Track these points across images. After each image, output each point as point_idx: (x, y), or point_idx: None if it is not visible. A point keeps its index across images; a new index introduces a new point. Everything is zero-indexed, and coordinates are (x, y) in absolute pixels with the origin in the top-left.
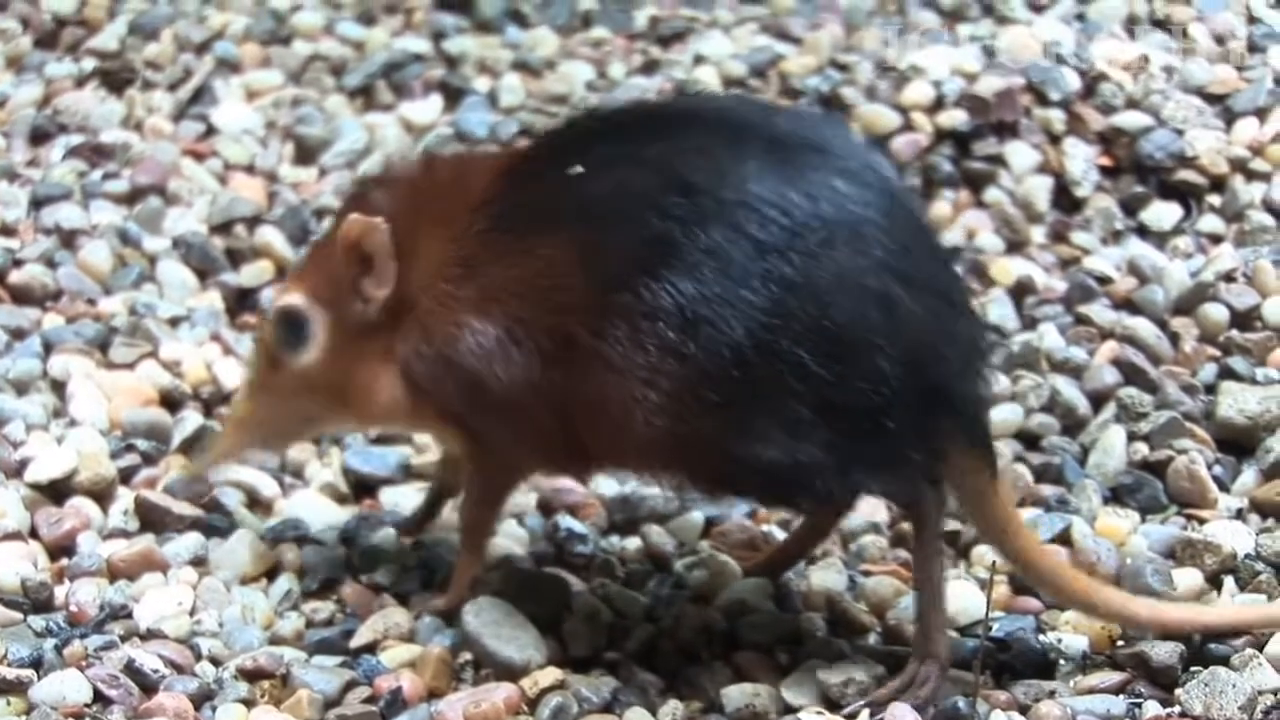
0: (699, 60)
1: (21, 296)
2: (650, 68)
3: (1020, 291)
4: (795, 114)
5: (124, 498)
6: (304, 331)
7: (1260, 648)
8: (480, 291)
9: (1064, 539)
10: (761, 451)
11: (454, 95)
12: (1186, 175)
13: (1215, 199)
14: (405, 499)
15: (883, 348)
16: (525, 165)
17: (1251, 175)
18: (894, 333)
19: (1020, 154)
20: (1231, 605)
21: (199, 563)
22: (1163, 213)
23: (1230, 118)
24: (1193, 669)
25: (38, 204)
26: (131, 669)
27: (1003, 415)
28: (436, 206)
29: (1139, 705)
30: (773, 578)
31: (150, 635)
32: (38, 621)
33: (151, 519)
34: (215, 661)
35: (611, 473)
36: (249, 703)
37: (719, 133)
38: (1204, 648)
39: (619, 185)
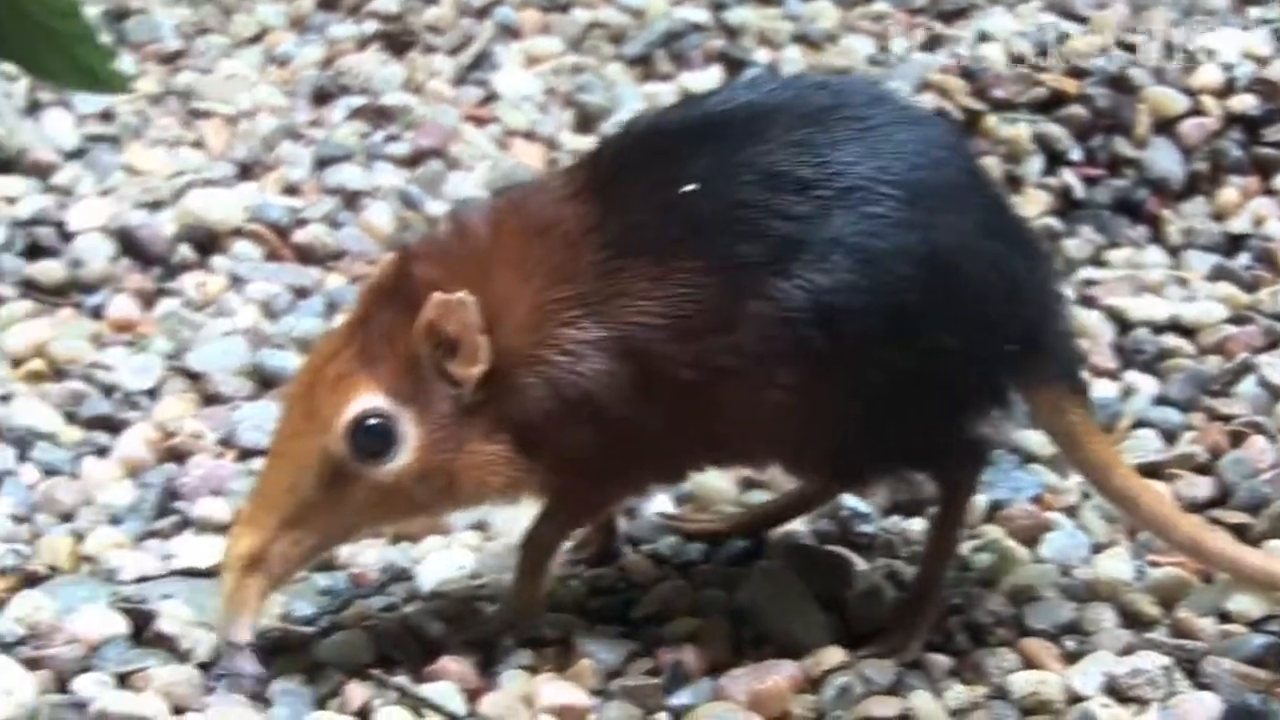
0: (982, 38)
1: (305, 255)
2: (933, 43)
3: None
4: (856, 85)
5: None
6: (390, 435)
7: None
8: (609, 329)
9: None
10: (893, 433)
11: (734, 66)
12: None
13: None
14: None
15: (1004, 309)
16: (610, 186)
17: None
18: (1007, 292)
19: None
20: None
21: (480, 527)
22: None
23: None
24: None
25: (321, 164)
26: (415, 631)
27: None
28: (514, 253)
29: None
30: (753, 537)
31: (432, 597)
32: (321, 580)
33: None
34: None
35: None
36: (532, 669)
37: (807, 122)
38: None
39: (735, 197)
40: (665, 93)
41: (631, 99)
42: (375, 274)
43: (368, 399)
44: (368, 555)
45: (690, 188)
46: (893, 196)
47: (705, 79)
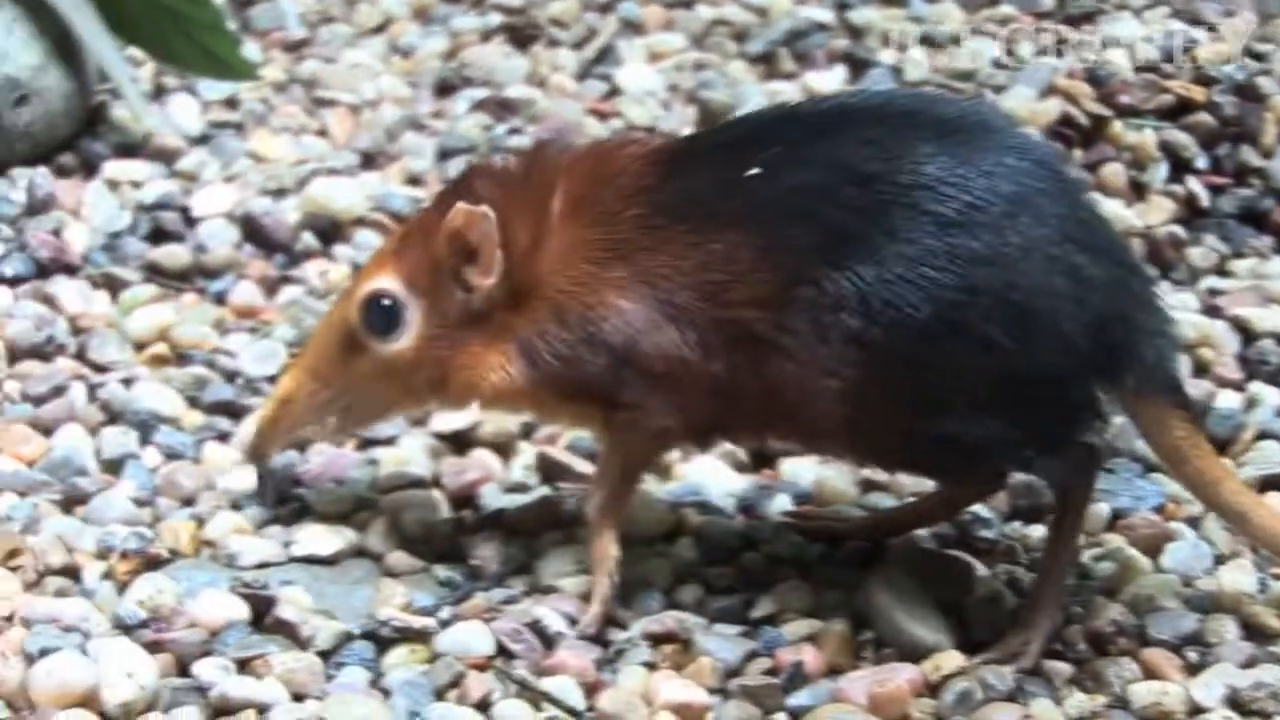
0: (1109, 43)
1: None
2: (1059, 48)
3: None
4: (952, 99)
5: (526, 452)
6: (397, 317)
7: None
8: (632, 274)
9: None
10: (943, 428)
11: (858, 66)
12: None
13: None
14: (805, 471)
15: (1071, 314)
16: (684, 159)
17: None
18: (1081, 298)
19: None
20: None
21: None
22: None
23: None
24: None
25: (444, 155)
26: (534, 624)
27: None
28: (571, 190)
29: None
30: (872, 541)
31: (550, 591)
32: (441, 571)
33: (553, 475)
34: (615, 622)
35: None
36: (651, 666)
37: (884, 124)
38: None
39: (793, 183)
40: (788, 91)
41: (754, 97)
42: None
43: (385, 280)
44: (487, 548)
45: (754, 171)
46: (957, 200)
47: (829, 79)
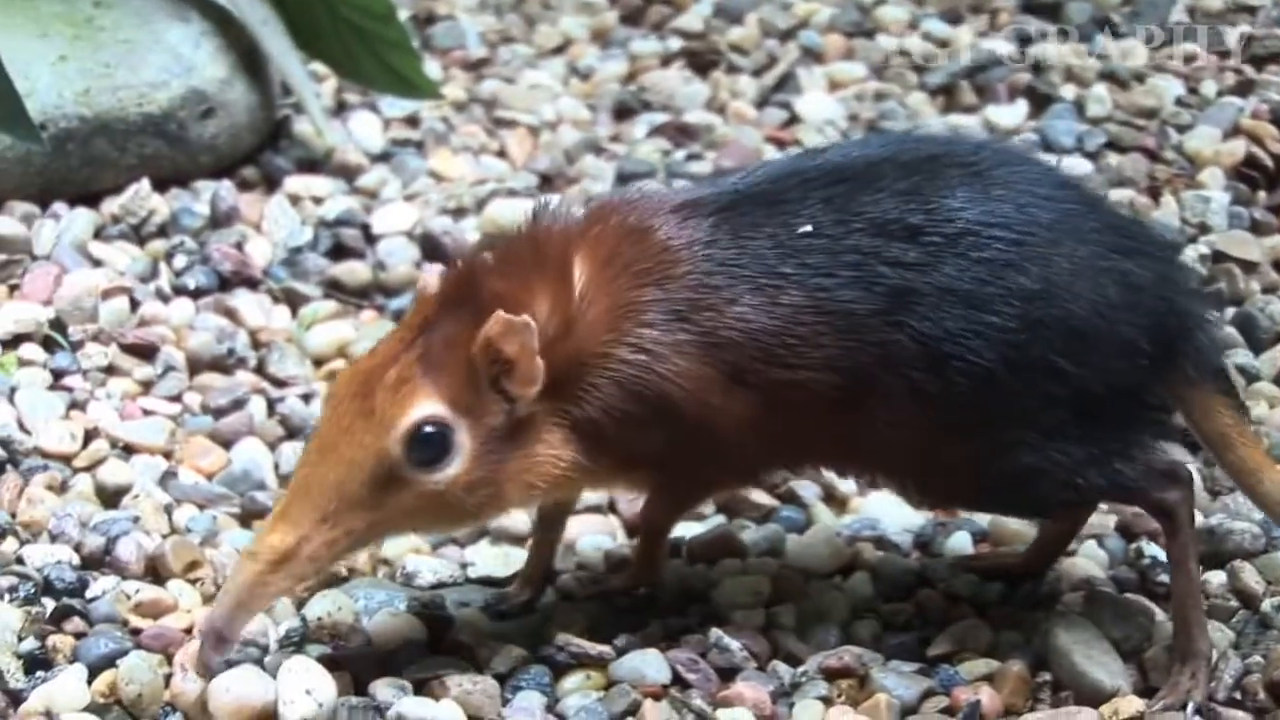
0: None
1: None
2: (1243, 88)
3: None
4: (961, 138)
5: None
6: (447, 444)
7: None
8: (697, 336)
9: None
10: (1020, 464)
11: (1039, 101)
12: None
13: None
14: None
15: (1129, 321)
16: (729, 213)
17: None
18: (1135, 303)
19: None
20: None
21: (775, 553)
22: None
23: None
24: None
25: (622, 179)
26: (711, 654)
27: None
28: (598, 254)
29: None
30: (1009, 582)
31: (726, 622)
32: (618, 598)
33: (728, 505)
34: (790, 657)
35: None
36: (827, 700)
37: (912, 172)
38: None
39: (845, 243)
40: (969, 124)
41: (935, 128)
42: (438, 280)
43: (429, 406)
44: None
45: (806, 229)
46: (1002, 240)
47: (1010, 113)
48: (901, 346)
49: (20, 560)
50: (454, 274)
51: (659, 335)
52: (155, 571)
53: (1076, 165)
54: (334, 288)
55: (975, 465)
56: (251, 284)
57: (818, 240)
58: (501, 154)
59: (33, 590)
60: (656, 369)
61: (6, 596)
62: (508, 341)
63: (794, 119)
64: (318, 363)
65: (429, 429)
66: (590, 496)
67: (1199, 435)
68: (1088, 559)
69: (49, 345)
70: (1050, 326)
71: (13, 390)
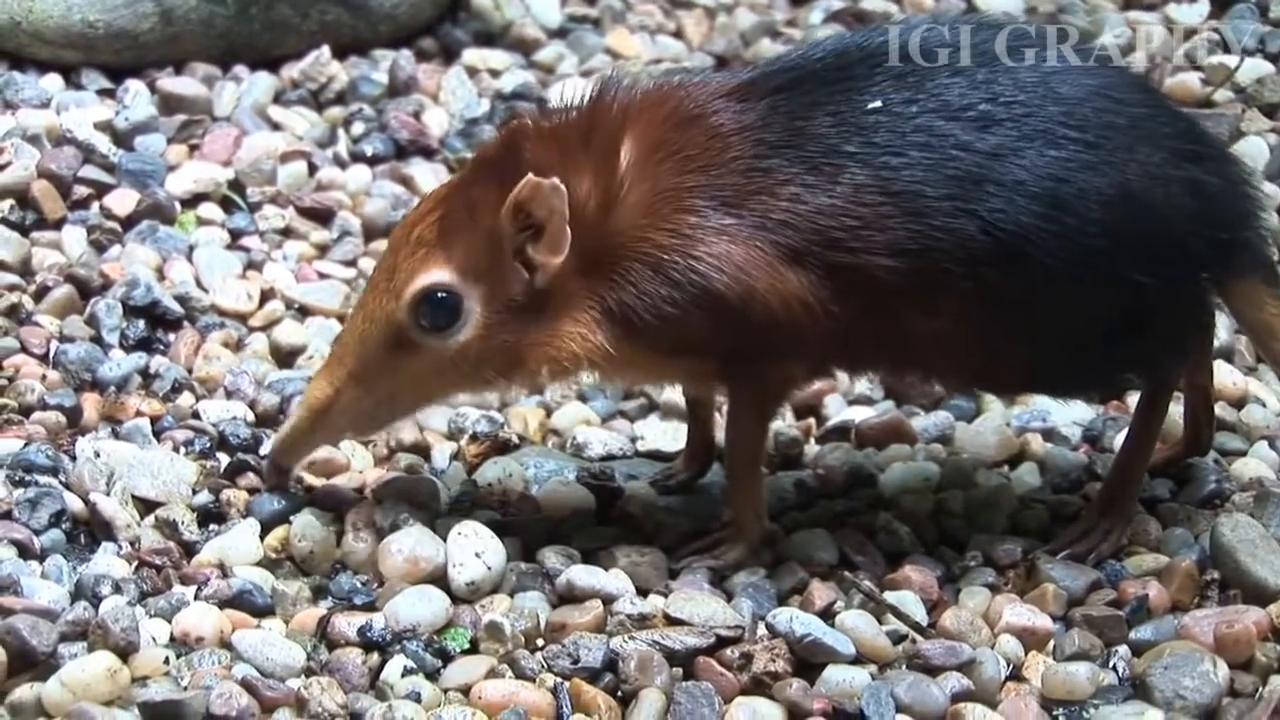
0: None
1: None
2: None
3: None
4: (1030, 27)
5: None
6: (456, 311)
7: None
8: (744, 222)
9: None
10: (1082, 361)
11: (1222, 1)
12: None
13: None
14: None
15: (1198, 233)
16: (784, 93)
17: None
18: (1207, 212)
19: None
20: None
21: (944, 440)
22: None
23: None
24: None
25: None
26: (879, 537)
27: None
28: (647, 137)
29: None
30: (1178, 480)
31: (893, 506)
32: (786, 478)
33: (897, 390)
34: (954, 544)
35: None
36: (994, 588)
37: (994, 61)
38: None
39: (914, 123)
40: (1150, 21)
41: (1115, 25)
42: (486, 143)
43: (437, 273)
44: (833, 455)
45: (875, 105)
46: (1080, 140)
47: (1191, 11)
48: (970, 237)
49: (196, 415)
50: (499, 137)
51: (698, 221)
52: None
53: (1258, 67)
54: None
55: (1036, 365)
56: (427, 153)
57: (885, 118)
58: (678, 34)
59: (208, 445)
60: (692, 253)
61: (182, 450)
62: (537, 205)
63: (971, 8)
64: None
65: (437, 295)
66: None
67: (1243, 324)
68: (1258, 459)
69: (227, 205)
70: (1123, 233)
71: (191, 248)
